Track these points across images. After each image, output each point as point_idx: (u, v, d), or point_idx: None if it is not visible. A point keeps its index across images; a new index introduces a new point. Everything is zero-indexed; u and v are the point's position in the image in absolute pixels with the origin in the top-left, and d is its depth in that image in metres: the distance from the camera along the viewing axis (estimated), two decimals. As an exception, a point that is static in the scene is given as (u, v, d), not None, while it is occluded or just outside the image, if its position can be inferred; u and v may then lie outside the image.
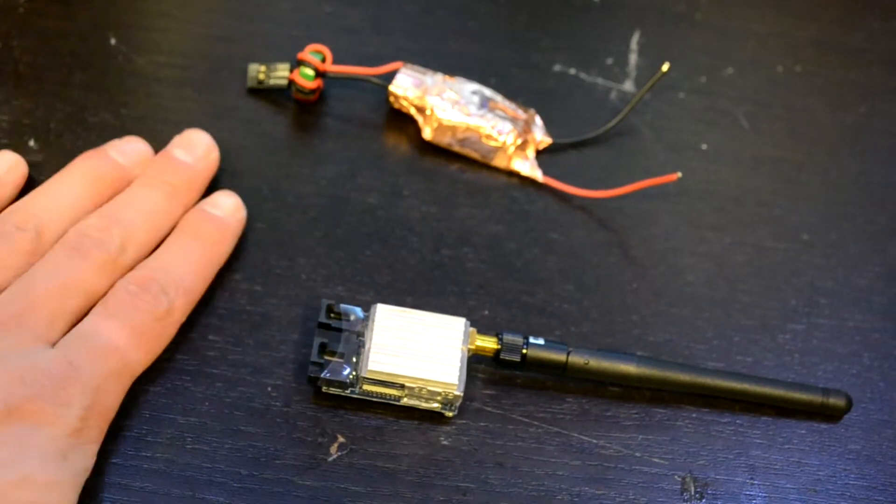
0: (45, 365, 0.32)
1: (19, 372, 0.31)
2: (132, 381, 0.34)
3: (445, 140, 0.43)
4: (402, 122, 0.44)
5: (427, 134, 0.43)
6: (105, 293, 0.35)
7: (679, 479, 0.37)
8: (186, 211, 0.38)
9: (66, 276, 0.34)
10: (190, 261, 0.37)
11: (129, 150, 0.39)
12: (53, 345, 0.33)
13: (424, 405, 0.36)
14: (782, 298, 0.42)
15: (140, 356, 0.34)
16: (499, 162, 0.44)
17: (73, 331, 0.34)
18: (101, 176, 0.38)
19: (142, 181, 0.38)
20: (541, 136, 0.45)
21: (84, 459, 0.32)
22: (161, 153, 0.39)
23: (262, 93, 0.44)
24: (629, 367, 0.37)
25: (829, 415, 0.39)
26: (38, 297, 0.33)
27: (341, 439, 0.36)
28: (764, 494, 0.37)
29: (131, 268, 0.36)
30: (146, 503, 0.33)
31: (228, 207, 0.39)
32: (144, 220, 0.37)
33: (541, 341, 0.37)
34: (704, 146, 0.47)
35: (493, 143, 0.43)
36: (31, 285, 0.34)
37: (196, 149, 0.39)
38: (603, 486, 0.36)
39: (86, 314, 0.34)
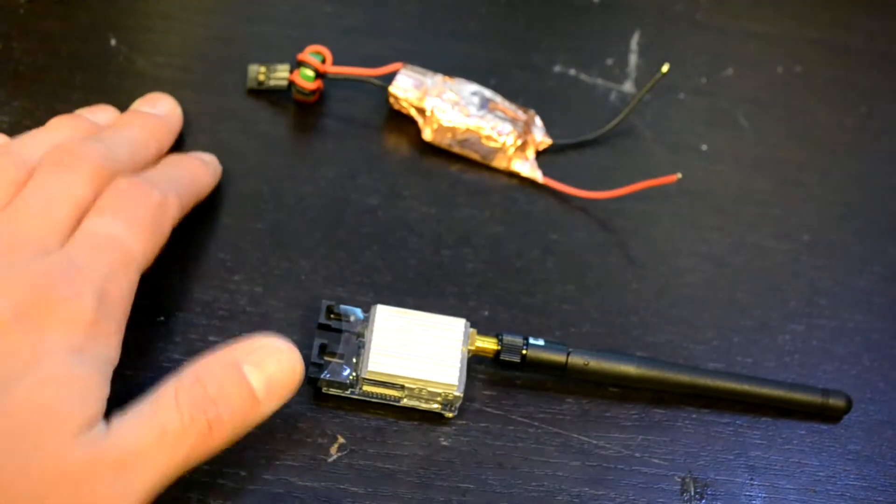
0: (46, 266, 0.31)
1: (20, 277, 0.31)
2: (139, 273, 0.34)
3: (445, 141, 0.43)
4: (402, 123, 0.44)
5: (427, 135, 0.43)
6: (94, 202, 0.34)
7: (679, 480, 0.37)
8: (161, 154, 0.39)
9: (51, 189, 0.34)
10: (178, 174, 0.37)
11: (98, 112, 0.40)
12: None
13: (424, 406, 0.36)
14: (782, 299, 0.42)
15: (140, 245, 0.34)
16: (499, 163, 0.44)
17: (71, 236, 0.33)
18: (78, 128, 0.38)
19: (118, 122, 0.39)
20: (541, 137, 0.45)
21: (106, 350, 0.31)
22: (128, 111, 0.40)
23: (262, 94, 0.44)
24: (629, 368, 0.37)
25: (829, 415, 0.39)
26: (27, 213, 0.33)
27: (341, 440, 0.36)
28: (763, 495, 0.37)
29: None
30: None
31: (206, 155, 0.40)
32: (125, 143, 0.37)
33: (541, 342, 0.37)
34: (704, 147, 0.47)
35: (492, 144, 0.43)
36: (19, 204, 0.33)
37: (161, 105, 0.41)
38: (603, 486, 0.36)
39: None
